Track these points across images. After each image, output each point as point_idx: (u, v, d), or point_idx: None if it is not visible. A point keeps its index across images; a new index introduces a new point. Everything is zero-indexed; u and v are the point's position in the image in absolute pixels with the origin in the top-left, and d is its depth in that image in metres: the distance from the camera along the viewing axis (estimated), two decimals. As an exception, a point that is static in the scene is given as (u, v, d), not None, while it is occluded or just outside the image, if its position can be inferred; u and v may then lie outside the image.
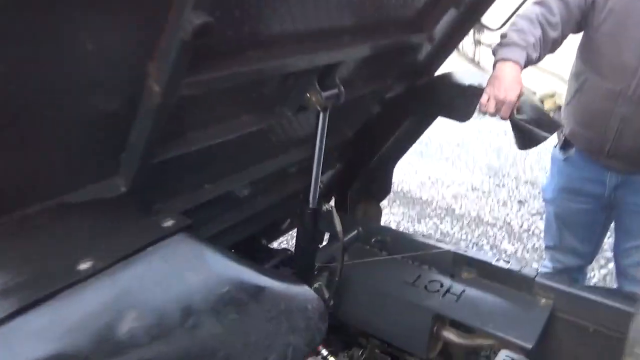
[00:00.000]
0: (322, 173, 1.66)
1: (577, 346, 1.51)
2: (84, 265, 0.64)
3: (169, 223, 0.75)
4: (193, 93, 0.87)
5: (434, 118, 1.87)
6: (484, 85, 1.61)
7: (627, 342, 0.82)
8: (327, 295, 1.69)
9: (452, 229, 3.96)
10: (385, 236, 1.93)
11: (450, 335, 1.63)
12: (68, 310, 0.59)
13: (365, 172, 2.14)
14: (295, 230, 2.20)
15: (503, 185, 4.72)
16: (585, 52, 1.83)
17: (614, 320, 1.45)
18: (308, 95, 1.22)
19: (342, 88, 1.27)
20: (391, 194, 2.52)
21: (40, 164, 0.79)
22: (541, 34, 1.68)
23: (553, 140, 2.02)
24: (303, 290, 0.81)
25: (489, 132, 6.13)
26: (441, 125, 1.95)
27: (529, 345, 1.42)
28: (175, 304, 0.63)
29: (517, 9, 1.67)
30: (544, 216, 2.47)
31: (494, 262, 1.71)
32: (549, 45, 1.74)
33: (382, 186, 2.29)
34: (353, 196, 2.17)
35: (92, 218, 0.80)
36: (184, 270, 0.68)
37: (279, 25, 1.00)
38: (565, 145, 2.06)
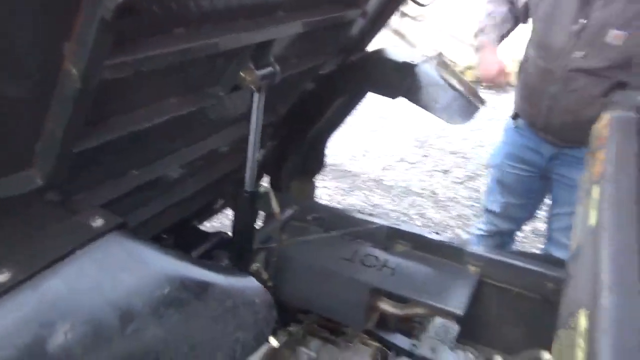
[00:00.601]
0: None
1: (502, 309, 1.62)
2: (1, 278, 0.57)
3: (98, 223, 0.68)
4: (116, 76, 0.80)
5: (366, 94, 1.87)
6: (416, 61, 1.63)
7: (559, 313, 0.88)
8: (265, 276, 1.68)
9: (381, 200, 4.07)
10: (321, 213, 1.93)
11: (386, 306, 1.69)
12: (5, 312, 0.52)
13: (299, 149, 2.12)
14: (228, 209, 2.15)
15: (428, 156, 4.90)
16: (530, 33, 2.00)
17: (534, 282, 1.57)
18: (242, 74, 1.17)
19: (277, 67, 1.23)
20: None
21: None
22: (508, 9, 1.98)
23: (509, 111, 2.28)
24: (249, 283, 0.78)
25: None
26: (366, 97, 1.97)
27: (460, 312, 1.50)
28: (112, 311, 0.58)
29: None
30: (485, 181, 2.63)
31: (426, 235, 1.78)
32: (518, 16, 2.03)
33: (316, 162, 2.28)
34: (287, 173, 2.15)
35: (7, 219, 0.71)
36: (119, 273, 0.62)
37: (209, 1, 0.93)
38: (515, 116, 2.23)
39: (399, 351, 1.62)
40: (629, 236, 0.78)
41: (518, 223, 2.50)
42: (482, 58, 1.99)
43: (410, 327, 1.85)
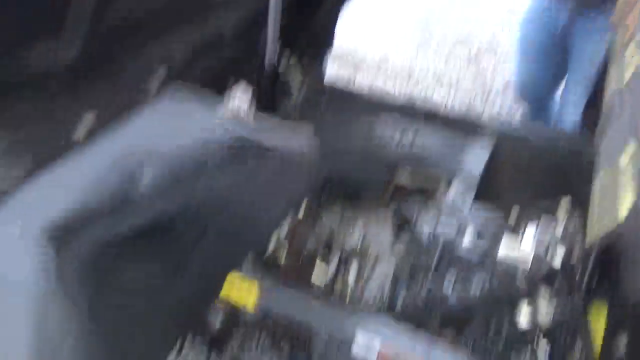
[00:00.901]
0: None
1: (516, 173, 1.70)
2: (82, 130, 0.59)
3: (156, 79, 0.69)
4: None
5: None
6: None
7: (597, 160, 0.95)
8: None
9: (385, 84, 4.03)
10: (334, 92, 1.94)
11: (403, 178, 1.77)
12: (83, 170, 0.55)
13: (309, 27, 2.06)
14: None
15: (432, 35, 4.75)
16: None
17: (546, 148, 1.64)
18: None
19: None
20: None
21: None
22: None
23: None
24: (301, 142, 0.82)
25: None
26: None
27: (477, 174, 1.58)
28: (185, 160, 0.61)
29: None
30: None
31: (441, 109, 1.80)
32: None
33: (326, 42, 2.23)
34: (298, 51, 2.10)
35: (68, 80, 0.72)
36: (187, 128, 0.65)
37: None
38: None
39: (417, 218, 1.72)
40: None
41: (548, 92, 2.51)
42: None
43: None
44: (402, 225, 1.75)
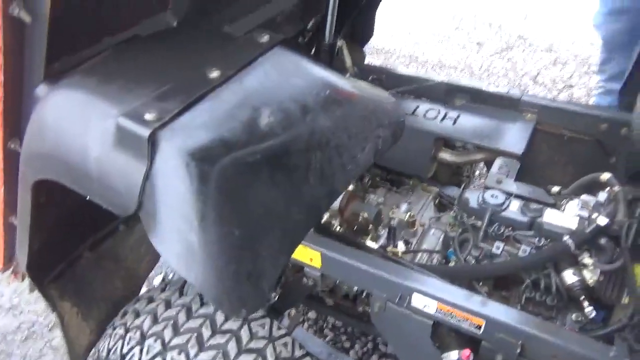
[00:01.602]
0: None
1: (557, 152, 1.77)
2: (214, 74, 0.71)
3: (265, 38, 0.80)
4: None
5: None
6: None
7: None
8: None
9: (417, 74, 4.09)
10: (380, 74, 2.03)
11: (446, 155, 1.85)
12: (219, 108, 0.67)
13: (352, 13, 2.15)
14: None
15: (462, 29, 4.79)
16: None
17: (587, 125, 1.69)
18: None
19: None
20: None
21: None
22: None
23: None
24: (385, 95, 0.92)
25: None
26: None
27: (519, 152, 1.65)
28: (294, 103, 0.72)
29: None
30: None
31: (483, 87, 1.88)
32: None
33: (367, 29, 2.31)
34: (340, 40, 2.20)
35: (186, 40, 0.84)
36: (293, 76, 0.76)
37: None
38: None
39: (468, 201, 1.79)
40: None
41: None
42: None
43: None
44: (446, 201, 1.85)
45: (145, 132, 0.62)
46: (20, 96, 0.77)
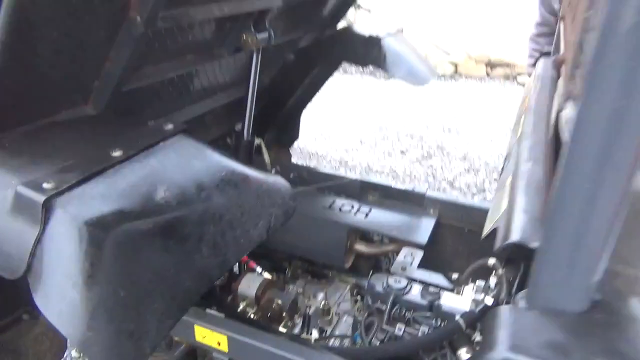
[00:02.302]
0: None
1: (457, 244, 1.94)
2: (116, 153, 0.79)
3: (169, 127, 0.91)
4: (165, 26, 1.03)
5: (339, 64, 2.15)
6: (381, 36, 1.92)
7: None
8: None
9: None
10: (301, 172, 2.19)
11: (361, 247, 1.97)
12: (116, 183, 0.74)
13: (278, 119, 2.37)
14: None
15: (387, 138, 5.24)
16: None
17: (482, 219, 1.89)
18: (244, 36, 1.41)
19: (272, 32, 1.48)
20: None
21: (32, 84, 0.90)
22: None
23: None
24: (277, 178, 1.04)
25: (371, 90, 6.66)
26: (327, 86, 2.24)
27: (423, 242, 1.81)
28: (190, 182, 0.81)
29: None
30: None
31: (393, 185, 2.08)
32: None
33: (292, 132, 2.53)
34: (266, 143, 2.39)
35: (99, 127, 0.94)
36: (192, 159, 0.86)
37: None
38: None
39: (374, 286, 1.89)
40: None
41: None
42: None
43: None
44: (359, 289, 1.93)
45: (40, 198, 0.68)
46: None
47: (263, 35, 1.45)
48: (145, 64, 1.16)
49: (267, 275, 1.79)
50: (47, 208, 0.69)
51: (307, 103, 2.42)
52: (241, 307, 1.61)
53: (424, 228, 1.88)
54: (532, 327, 0.73)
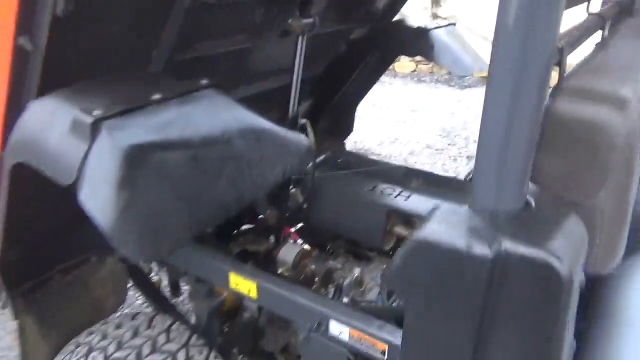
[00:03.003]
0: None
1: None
2: (155, 96, 0.97)
3: (205, 81, 1.08)
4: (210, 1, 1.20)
5: (392, 57, 2.25)
6: (429, 27, 2.00)
7: None
8: (300, 199, 2.06)
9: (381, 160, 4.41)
10: (349, 157, 2.31)
11: (401, 230, 2.03)
12: (151, 116, 0.92)
13: (331, 109, 2.50)
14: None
15: (454, 144, 5.19)
16: None
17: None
18: (290, 21, 1.56)
19: (317, 18, 1.62)
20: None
21: (102, 48, 1.11)
22: None
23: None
24: (298, 135, 1.17)
25: (442, 99, 6.62)
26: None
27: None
28: (215, 125, 0.97)
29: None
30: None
31: (434, 173, 2.13)
32: None
33: (346, 124, 2.65)
34: (320, 134, 2.53)
35: (150, 80, 1.13)
36: (220, 108, 1.02)
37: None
38: None
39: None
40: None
41: None
42: None
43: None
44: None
45: (90, 120, 0.87)
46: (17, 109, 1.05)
47: (308, 21, 1.60)
48: (197, 38, 1.34)
49: (307, 247, 1.92)
50: (94, 129, 0.87)
51: (361, 97, 2.53)
52: (279, 272, 1.74)
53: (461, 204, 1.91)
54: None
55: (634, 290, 1.09)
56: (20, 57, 0.99)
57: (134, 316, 1.57)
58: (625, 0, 1.64)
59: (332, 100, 2.42)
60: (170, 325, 1.52)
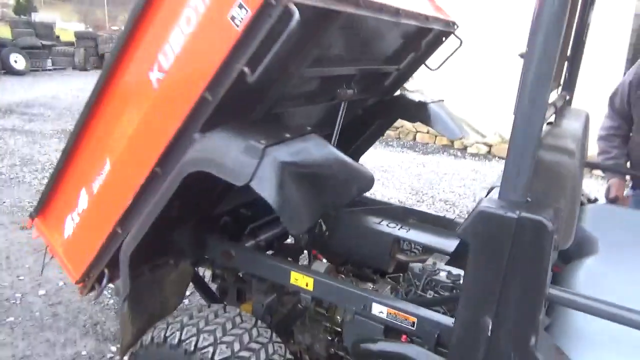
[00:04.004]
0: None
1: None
2: (287, 135, 1.50)
3: (309, 128, 1.63)
4: (273, 78, 1.78)
5: (394, 120, 2.89)
6: (427, 101, 2.67)
7: None
8: (324, 229, 2.59)
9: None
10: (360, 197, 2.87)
11: (402, 256, 2.58)
12: (288, 148, 1.47)
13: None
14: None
15: (422, 202, 5.87)
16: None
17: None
18: (339, 91, 2.16)
19: (355, 90, 2.23)
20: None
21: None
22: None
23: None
24: (365, 168, 1.74)
25: (408, 162, 7.40)
26: (370, 155, 2.95)
27: (450, 251, 2.40)
28: (323, 154, 1.52)
29: (451, 54, 2.72)
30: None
31: (428, 212, 2.72)
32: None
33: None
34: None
35: (271, 121, 1.69)
36: (322, 145, 1.57)
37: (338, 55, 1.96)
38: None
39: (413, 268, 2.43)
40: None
41: None
42: (611, 193, 2.91)
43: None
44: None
45: (261, 146, 1.37)
46: (182, 137, 1.56)
47: (350, 91, 2.21)
48: (283, 101, 1.91)
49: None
50: (263, 151, 1.39)
51: (365, 150, 3.14)
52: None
53: (451, 242, 2.48)
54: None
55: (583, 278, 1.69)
56: (200, 104, 1.50)
57: (209, 306, 2.00)
58: (568, 94, 2.38)
59: (346, 153, 3.00)
60: (239, 313, 1.96)
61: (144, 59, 1.64)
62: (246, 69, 1.42)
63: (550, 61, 1.09)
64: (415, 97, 2.78)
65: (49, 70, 17.76)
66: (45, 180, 5.68)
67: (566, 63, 2.44)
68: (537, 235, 1.13)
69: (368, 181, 1.70)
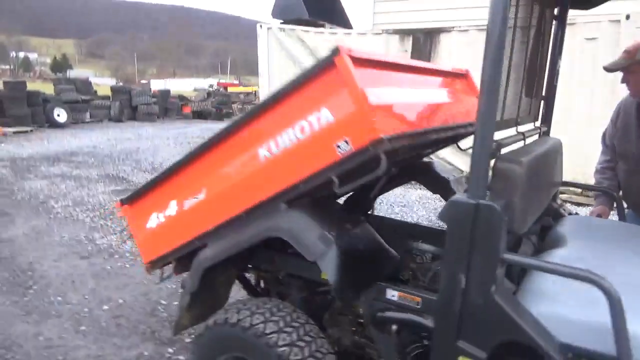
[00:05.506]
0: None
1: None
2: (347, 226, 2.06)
3: (363, 217, 2.22)
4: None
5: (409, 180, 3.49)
6: (450, 178, 3.22)
7: None
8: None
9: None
10: (373, 219, 3.40)
11: (414, 265, 3.07)
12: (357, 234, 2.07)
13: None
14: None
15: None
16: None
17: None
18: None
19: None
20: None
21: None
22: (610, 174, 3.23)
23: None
24: (393, 252, 2.29)
25: (427, 198, 7.88)
26: (392, 192, 3.42)
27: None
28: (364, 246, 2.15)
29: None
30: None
31: (433, 227, 3.22)
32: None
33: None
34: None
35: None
36: (365, 236, 2.17)
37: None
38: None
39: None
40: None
41: None
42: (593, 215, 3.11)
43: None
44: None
45: (331, 238, 1.91)
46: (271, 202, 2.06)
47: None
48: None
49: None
50: (331, 242, 1.95)
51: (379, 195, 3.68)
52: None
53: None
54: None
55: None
56: (293, 188, 1.98)
57: (270, 299, 2.51)
58: (545, 127, 2.92)
59: (365, 199, 3.55)
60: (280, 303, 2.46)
61: (261, 136, 2.03)
62: (335, 180, 1.83)
63: (494, 94, 1.64)
64: (441, 171, 3.27)
65: (88, 122, 19.12)
66: (96, 219, 6.37)
67: (542, 102, 2.98)
68: (490, 215, 1.66)
69: (396, 262, 2.28)
